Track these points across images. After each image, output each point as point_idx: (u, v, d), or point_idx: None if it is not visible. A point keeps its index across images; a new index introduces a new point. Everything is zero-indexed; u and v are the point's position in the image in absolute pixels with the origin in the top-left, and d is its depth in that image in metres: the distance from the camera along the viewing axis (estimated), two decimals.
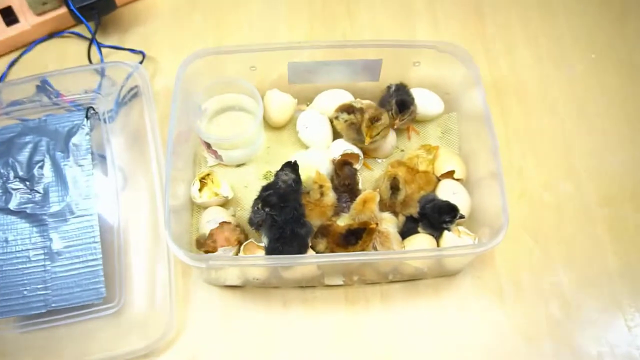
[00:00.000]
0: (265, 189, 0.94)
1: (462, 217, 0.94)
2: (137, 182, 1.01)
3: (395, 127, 1.03)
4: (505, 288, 0.98)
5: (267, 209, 0.89)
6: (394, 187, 0.94)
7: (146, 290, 0.95)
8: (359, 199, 0.93)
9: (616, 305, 0.97)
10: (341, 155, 1.02)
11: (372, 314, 0.97)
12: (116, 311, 0.92)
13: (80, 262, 0.94)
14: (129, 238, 0.97)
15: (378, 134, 0.99)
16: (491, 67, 1.20)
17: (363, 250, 0.88)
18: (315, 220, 0.94)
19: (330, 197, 0.95)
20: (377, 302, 0.97)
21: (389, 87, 1.05)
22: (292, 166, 0.95)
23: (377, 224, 0.89)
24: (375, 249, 0.91)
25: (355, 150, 1.04)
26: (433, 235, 0.95)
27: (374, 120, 0.98)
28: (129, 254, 0.96)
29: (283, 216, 0.88)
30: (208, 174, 1.00)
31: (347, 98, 1.09)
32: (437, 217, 0.93)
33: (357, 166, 1.04)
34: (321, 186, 0.94)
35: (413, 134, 1.09)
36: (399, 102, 1.01)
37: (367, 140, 0.99)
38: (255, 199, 0.95)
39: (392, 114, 1.01)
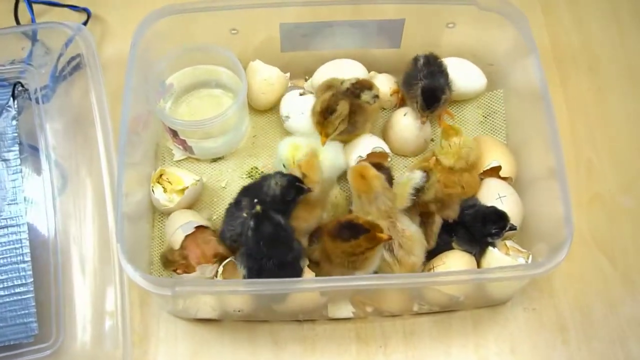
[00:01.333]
0: (245, 191, 0.93)
1: (513, 228, 0.93)
2: (80, 181, 1.01)
3: (423, 123, 1.02)
4: (569, 323, 0.98)
5: (249, 232, 0.86)
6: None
7: (92, 324, 0.94)
8: (352, 175, 0.90)
9: None
10: (367, 155, 1.00)
11: (392, 357, 0.96)
12: (53, 352, 0.92)
13: (4, 288, 0.93)
14: (70, 256, 0.97)
15: (336, 129, 0.97)
16: (550, 30, 1.18)
17: (354, 254, 0.86)
18: (301, 223, 0.92)
19: (316, 192, 0.93)
20: (399, 341, 0.97)
21: (415, 60, 1.04)
22: (290, 180, 0.91)
23: (390, 237, 0.87)
24: (391, 252, 0.89)
25: (386, 147, 1.02)
26: (471, 253, 0.95)
27: (327, 112, 0.95)
28: (69, 277, 0.96)
29: (266, 250, 0.86)
30: (161, 175, 1.01)
31: (358, 69, 1.08)
32: (480, 227, 0.92)
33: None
34: (304, 176, 0.92)
35: (446, 118, 1.08)
36: (427, 91, 1.00)
37: (323, 140, 0.96)
38: (231, 206, 0.94)
39: (417, 107, 1.01)
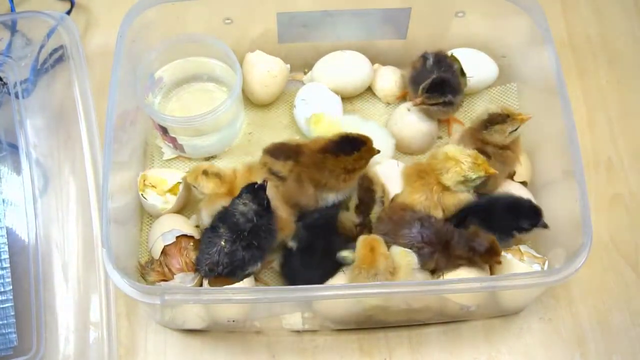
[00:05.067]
0: (222, 217, 0.91)
1: (545, 226, 0.92)
2: (62, 182, 1.01)
3: (414, 104, 1.02)
4: (588, 335, 0.98)
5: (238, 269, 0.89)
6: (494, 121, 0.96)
7: (75, 335, 0.94)
8: (363, 244, 0.90)
9: None
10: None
11: None
12: None
13: None
14: (52, 262, 0.97)
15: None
16: (567, 19, 1.18)
17: (352, 169, 0.92)
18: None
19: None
20: (404, 352, 0.97)
21: (424, 58, 1.04)
22: (253, 191, 0.90)
23: (377, 150, 0.94)
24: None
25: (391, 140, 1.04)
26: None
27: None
28: (51, 285, 0.96)
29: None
30: (144, 181, 1.00)
31: (361, 62, 1.08)
32: (511, 218, 0.91)
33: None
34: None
35: (457, 126, 1.08)
36: (438, 81, 1.00)
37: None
38: (207, 231, 0.91)
39: (421, 88, 1.01)
